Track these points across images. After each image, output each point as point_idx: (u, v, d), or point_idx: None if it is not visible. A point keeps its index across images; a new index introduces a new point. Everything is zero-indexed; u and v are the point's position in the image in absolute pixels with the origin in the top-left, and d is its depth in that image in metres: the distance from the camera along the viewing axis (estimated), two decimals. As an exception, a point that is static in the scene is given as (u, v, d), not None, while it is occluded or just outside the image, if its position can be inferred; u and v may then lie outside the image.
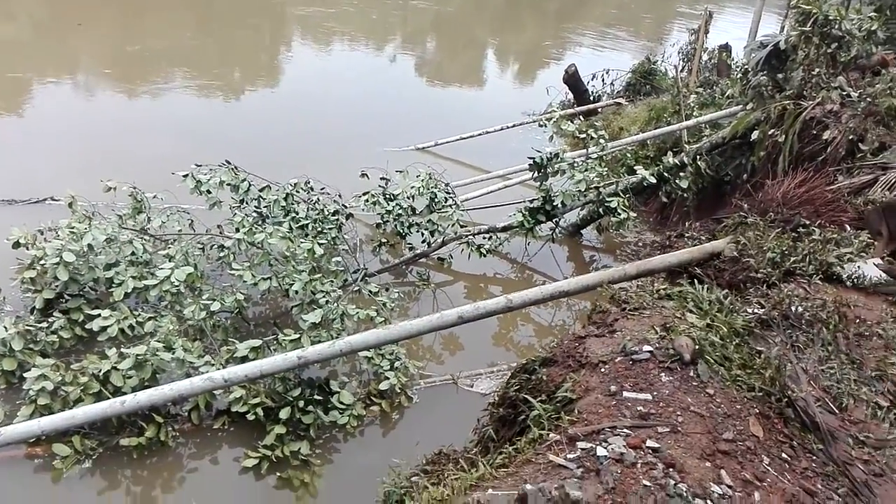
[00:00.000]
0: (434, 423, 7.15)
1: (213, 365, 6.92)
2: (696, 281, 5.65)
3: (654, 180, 10.98)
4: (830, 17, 9.50)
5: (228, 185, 8.86)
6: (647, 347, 3.62)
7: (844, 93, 9.05)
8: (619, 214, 10.42)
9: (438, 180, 9.90)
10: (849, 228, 5.75)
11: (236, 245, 7.92)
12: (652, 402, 3.26)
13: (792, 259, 5.23)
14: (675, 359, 3.53)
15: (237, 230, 8.07)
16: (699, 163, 11.04)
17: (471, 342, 8.66)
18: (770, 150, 9.76)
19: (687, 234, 6.66)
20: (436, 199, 9.62)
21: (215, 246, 8.46)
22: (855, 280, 5.08)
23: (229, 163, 9.02)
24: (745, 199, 6.40)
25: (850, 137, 8.24)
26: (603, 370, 3.54)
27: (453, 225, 9.66)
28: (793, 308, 4.60)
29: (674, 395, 3.32)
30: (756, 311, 4.58)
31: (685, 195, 11.19)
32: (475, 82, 21.18)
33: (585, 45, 24.51)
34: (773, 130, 9.57)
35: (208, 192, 8.76)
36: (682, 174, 11.06)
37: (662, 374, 3.44)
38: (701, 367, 3.49)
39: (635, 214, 10.76)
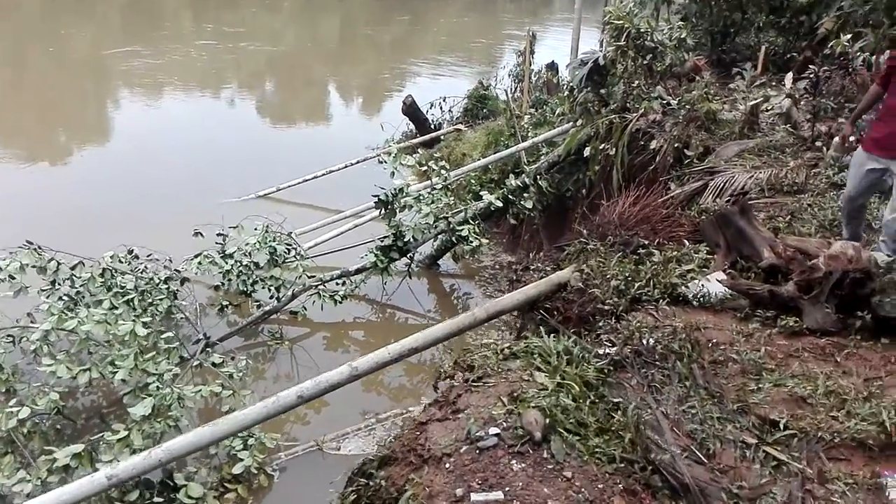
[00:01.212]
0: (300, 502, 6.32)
1: (30, 480, 5.75)
2: (545, 320, 5.18)
3: (500, 204, 10.64)
4: (642, 30, 9.52)
5: (33, 267, 7.61)
6: (493, 430, 3.03)
7: (664, 101, 9.05)
8: (472, 242, 9.98)
9: (277, 232, 9.03)
10: (687, 243, 5.47)
11: (44, 336, 6.72)
12: (504, 501, 2.66)
13: (636, 285, 4.84)
14: (526, 440, 2.96)
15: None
16: (540, 182, 10.82)
17: (336, 396, 7.87)
18: (604, 164, 9.65)
19: (533, 266, 6.22)
20: (276, 253, 8.74)
21: (25, 339, 7.20)
22: (701, 299, 4.75)
23: (31, 243, 7.76)
24: (584, 223, 6.01)
25: (676, 145, 8.18)
26: (447, 465, 2.91)
27: (300, 277, 8.83)
28: (644, 341, 4.17)
29: (528, 487, 2.73)
30: (608, 350, 4.10)
31: (532, 214, 10.95)
32: (319, 120, 20.39)
33: (423, 74, 24.34)
34: (603, 145, 9.45)
35: (11, 277, 7.49)
36: (525, 195, 10.81)
37: (513, 461, 2.86)
38: (554, 444, 2.94)
39: (487, 240, 10.37)
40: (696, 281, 4.82)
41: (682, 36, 9.73)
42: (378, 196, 9.53)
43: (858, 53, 7.18)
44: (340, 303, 9.19)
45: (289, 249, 9.05)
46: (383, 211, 9.66)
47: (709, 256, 5.17)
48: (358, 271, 9.69)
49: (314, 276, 9.06)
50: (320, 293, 9.07)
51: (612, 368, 3.91)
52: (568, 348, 3.70)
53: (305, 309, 9.30)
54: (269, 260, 8.74)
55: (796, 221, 5.89)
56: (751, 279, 5.00)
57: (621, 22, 9.49)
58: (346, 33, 34.11)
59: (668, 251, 5.33)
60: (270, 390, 8.42)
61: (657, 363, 3.98)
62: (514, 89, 17.05)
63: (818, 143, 7.59)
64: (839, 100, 8.34)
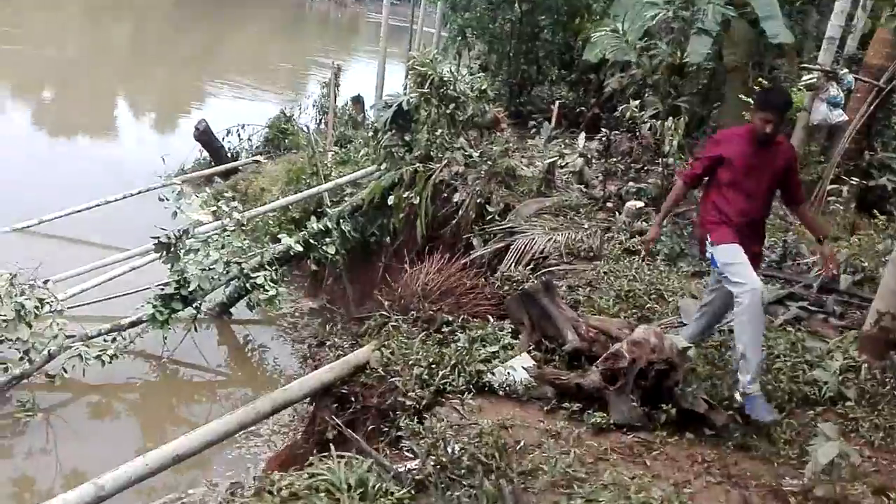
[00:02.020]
0: None
1: None
2: (342, 408, 4.49)
3: (300, 248, 9.83)
4: (445, 79, 9.23)
5: None
6: None
7: (467, 153, 8.80)
8: (268, 290, 9.03)
9: (26, 284, 7.46)
10: (492, 320, 5.06)
11: None
12: None
13: (441, 373, 4.31)
14: None
15: None
16: (343, 227, 10.13)
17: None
18: (408, 212, 9.21)
19: (329, 342, 5.50)
20: (24, 309, 7.21)
21: None
22: (507, 388, 4.31)
23: None
24: (386, 292, 5.41)
25: (479, 200, 7.92)
26: None
27: (56, 337, 7.35)
28: (449, 449, 3.61)
29: None
30: (409, 466, 3.50)
31: (335, 258, 10.23)
32: (104, 138, 17.97)
33: (222, 95, 22.68)
34: (407, 193, 9.00)
35: None
36: (327, 239, 10.07)
37: None
38: None
39: (285, 289, 9.49)
40: (502, 368, 4.38)
41: (484, 87, 9.60)
42: (158, 238, 8.33)
43: (646, 121, 7.36)
44: (110, 362, 7.81)
45: (42, 303, 7.53)
46: (165, 255, 8.46)
47: (514, 340, 4.78)
48: (133, 324, 8.36)
49: (74, 336, 7.60)
50: (82, 355, 7.63)
51: (414, 492, 3.30)
52: (363, 479, 3.03)
53: (66, 371, 7.76)
54: (15, 317, 7.20)
55: (595, 292, 5.75)
56: (555, 362, 4.68)
57: (425, 69, 9.14)
58: (139, 43, 31.25)
59: (474, 329, 4.87)
60: (22, 469, 6.90)
61: (463, 479, 3.44)
62: (318, 121, 16.25)
63: (609, 204, 7.69)
64: (626, 160, 8.58)
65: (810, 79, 7.57)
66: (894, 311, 4.71)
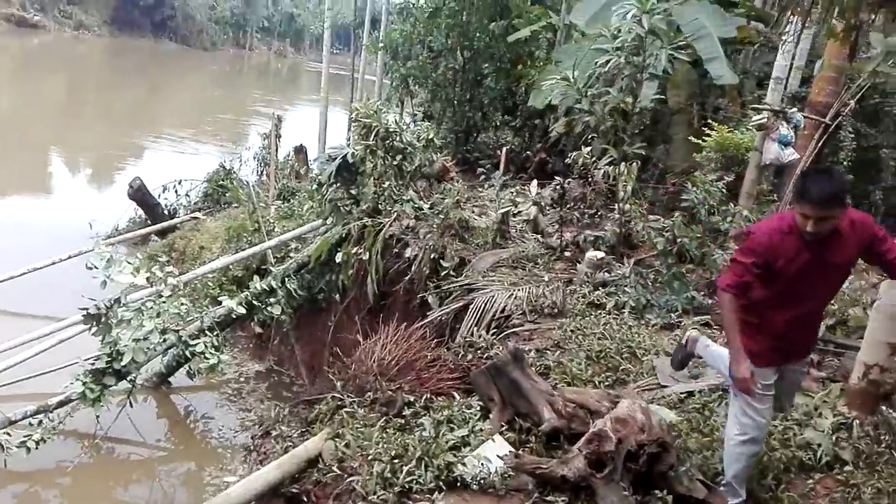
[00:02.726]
0: None
1: None
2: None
3: (243, 310, 9.09)
4: (391, 130, 8.77)
5: None
6: None
7: (417, 206, 8.31)
8: (209, 358, 8.27)
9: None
10: (458, 397, 4.49)
11: None
12: None
13: (405, 469, 3.70)
14: None
15: None
16: (289, 286, 9.45)
17: None
18: (358, 269, 8.61)
19: (275, 431, 4.82)
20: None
21: None
22: (482, 482, 3.73)
23: None
24: (339, 373, 4.79)
25: (432, 255, 7.40)
26: None
27: (-32, 427, 6.44)
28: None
29: None
30: None
31: (281, 318, 9.51)
32: (38, 198, 16.81)
33: (161, 150, 21.77)
34: (356, 249, 8.42)
35: None
36: (272, 300, 9.36)
37: None
38: None
39: (227, 356, 8.71)
40: (474, 459, 3.80)
41: (430, 136, 9.17)
42: (87, 309, 7.52)
43: (600, 167, 7.01)
44: (36, 448, 6.91)
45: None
46: (95, 326, 7.64)
47: (484, 422, 4.21)
48: (61, 404, 7.47)
49: (-8, 424, 6.68)
50: (2, 444, 6.72)
51: None
52: None
53: (-14, 459, 6.83)
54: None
55: (564, 354, 5.25)
56: (532, 443, 4.13)
57: (369, 120, 8.66)
58: (74, 97, 30.03)
59: (438, 410, 4.29)
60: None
61: None
62: (259, 173, 15.55)
63: (567, 254, 7.27)
64: (581, 207, 8.22)
65: (760, 119, 7.37)
66: (882, 362, 4.35)
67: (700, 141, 8.18)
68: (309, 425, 4.50)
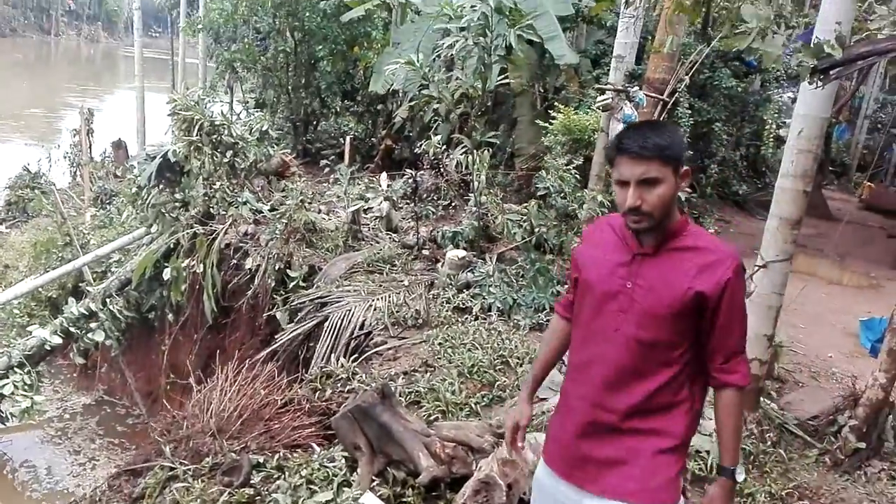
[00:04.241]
0: None
1: None
2: None
3: (59, 340, 7.70)
4: (217, 123, 7.62)
5: None
6: None
7: (255, 208, 7.27)
8: (20, 401, 6.89)
9: None
10: (317, 448, 3.69)
11: None
12: None
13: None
14: None
15: None
16: (112, 307, 8.06)
17: None
18: (193, 283, 7.43)
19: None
20: None
21: None
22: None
23: None
24: (168, 430, 3.80)
25: (277, 265, 6.45)
26: None
27: None
28: None
29: None
30: None
31: (108, 343, 8.13)
32: None
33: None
34: (188, 261, 7.24)
35: None
36: (93, 324, 7.97)
37: None
38: None
39: (42, 398, 7.26)
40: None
41: (264, 128, 8.10)
42: None
43: (451, 158, 6.40)
44: None
45: None
46: None
47: (352, 476, 3.45)
48: None
49: None
50: None
51: None
52: None
53: None
54: None
55: (434, 374, 4.59)
56: (409, 495, 3.44)
57: (191, 113, 7.44)
58: None
59: (294, 470, 3.47)
60: None
61: None
62: (73, 175, 13.47)
63: (426, 252, 6.62)
64: (434, 199, 7.59)
65: (605, 99, 7.07)
66: (761, 356, 4.11)
67: (546, 123, 7.81)
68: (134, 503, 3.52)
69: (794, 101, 12.59)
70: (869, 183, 12.45)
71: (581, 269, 2.14)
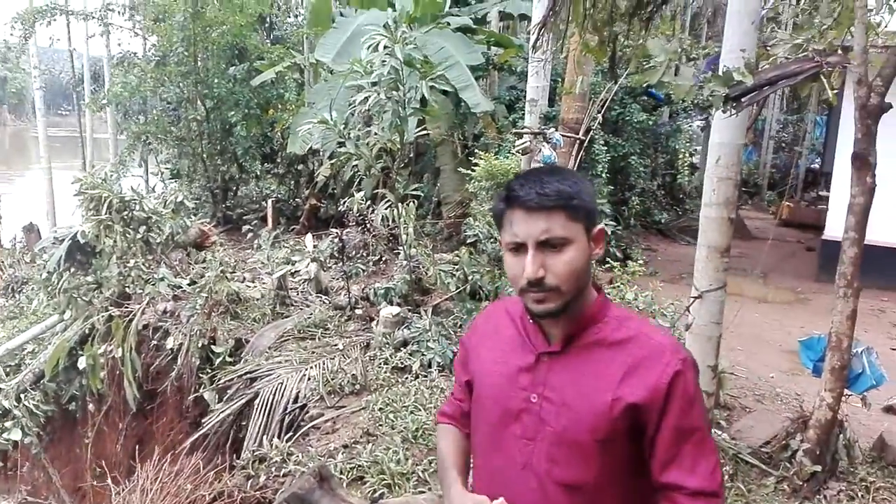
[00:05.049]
0: None
1: None
2: None
3: (-33, 444, 6.96)
4: (127, 199, 7.20)
5: None
6: None
7: (173, 283, 6.83)
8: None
9: None
10: (254, 547, 3.31)
11: None
12: None
13: None
14: None
15: None
16: (27, 403, 7.39)
17: None
18: (113, 369, 6.88)
19: None
20: None
21: None
22: None
23: None
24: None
25: (201, 343, 6.01)
26: None
27: None
28: None
29: None
30: None
31: (27, 441, 7.44)
32: None
33: None
34: (105, 346, 6.71)
35: None
36: (7, 423, 7.30)
37: None
38: None
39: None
40: None
41: (179, 199, 7.71)
42: None
43: (376, 213, 6.19)
44: None
45: None
46: None
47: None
48: None
49: None
50: None
51: None
52: None
53: None
54: None
55: (377, 443, 4.27)
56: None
57: (98, 191, 7.00)
58: None
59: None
60: None
61: None
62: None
63: (359, 311, 6.33)
64: (363, 255, 7.35)
65: (523, 143, 7.07)
66: (706, 388, 3.99)
67: (468, 171, 7.75)
68: None
69: (702, 129, 13.08)
70: (787, 203, 12.91)
71: (473, 374, 1.56)
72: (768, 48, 3.79)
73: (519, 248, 1.37)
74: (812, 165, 16.69)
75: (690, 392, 1.36)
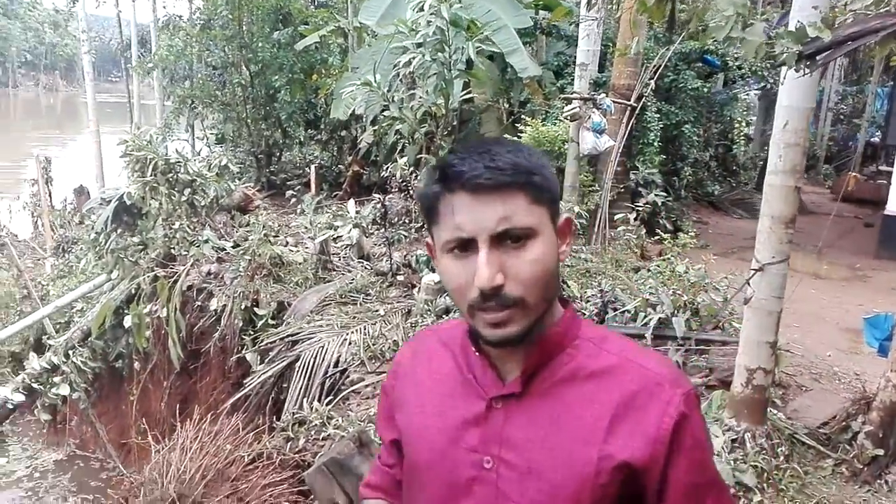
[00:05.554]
0: None
1: None
2: None
3: (23, 396, 7.27)
4: (172, 161, 7.21)
5: None
6: None
7: (217, 246, 6.85)
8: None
9: None
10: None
11: None
12: None
13: None
14: None
15: None
16: (75, 360, 7.57)
17: None
18: (158, 328, 6.98)
19: None
20: None
21: None
22: None
23: None
24: (126, 492, 3.36)
25: (244, 304, 6.02)
26: None
27: None
28: None
29: None
30: None
31: (75, 396, 7.69)
32: None
33: None
34: (150, 306, 6.80)
35: None
36: (56, 378, 7.53)
37: None
38: None
39: (6, 460, 6.74)
40: None
41: (224, 163, 7.71)
42: None
43: (419, 181, 6.07)
44: None
45: None
46: None
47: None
48: None
49: None
50: None
51: None
52: None
53: None
54: None
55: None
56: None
57: (143, 153, 7.03)
58: None
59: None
60: None
61: None
62: (34, 225, 12.93)
63: (400, 277, 6.25)
64: (405, 222, 7.26)
65: (572, 108, 6.83)
66: (765, 364, 3.79)
67: (514, 138, 7.54)
68: None
69: (759, 98, 12.53)
70: (855, 174, 12.27)
71: (401, 431, 1.16)
72: (843, 6, 3.49)
73: (465, 246, 0.97)
74: (871, 139, 15.92)
75: (702, 440, 1.01)
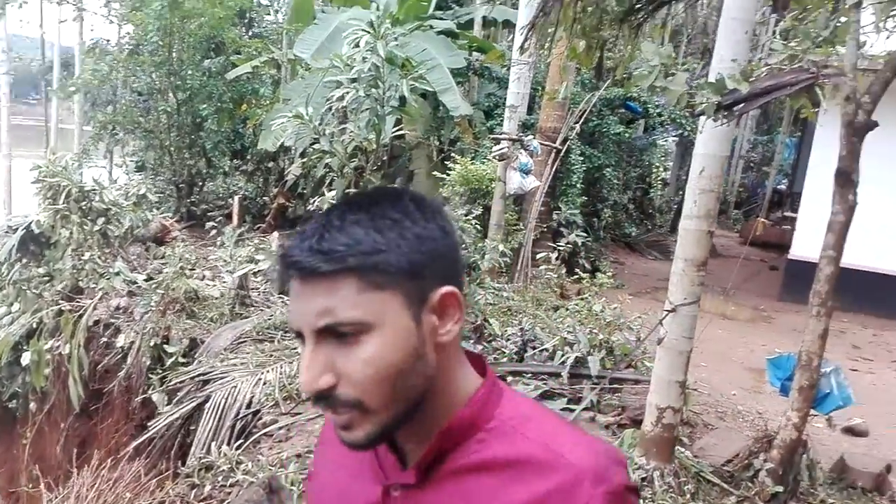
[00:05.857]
0: None
1: None
2: None
3: None
4: (87, 189, 6.89)
5: None
6: None
7: (129, 279, 6.53)
8: None
9: None
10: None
11: None
12: None
13: None
14: None
15: None
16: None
17: None
18: (59, 365, 6.55)
19: None
20: None
21: None
22: None
23: None
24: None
25: (153, 341, 5.73)
26: None
27: None
28: None
29: None
30: None
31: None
32: None
33: None
34: (52, 342, 6.38)
35: None
36: (-58, 419, 6.89)
37: None
38: None
39: None
40: None
41: (142, 192, 7.42)
42: None
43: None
44: None
45: None
46: None
47: None
48: None
49: None
50: None
51: None
52: None
53: None
54: None
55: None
56: None
57: (57, 180, 6.69)
58: None
59: None
60: None
61: None
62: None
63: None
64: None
65: (500, 149, 6.95)
66: (674, 403, 3.87)
67: (443, 175, 7.59)
68: None
69: (677, 144, 13.08)
70: (763, 220, 12.89)
71: None
72: (759, 60, 3.69)
73: (302, 338, 0.84)
74: (778, 186, 16.90)
75: None
